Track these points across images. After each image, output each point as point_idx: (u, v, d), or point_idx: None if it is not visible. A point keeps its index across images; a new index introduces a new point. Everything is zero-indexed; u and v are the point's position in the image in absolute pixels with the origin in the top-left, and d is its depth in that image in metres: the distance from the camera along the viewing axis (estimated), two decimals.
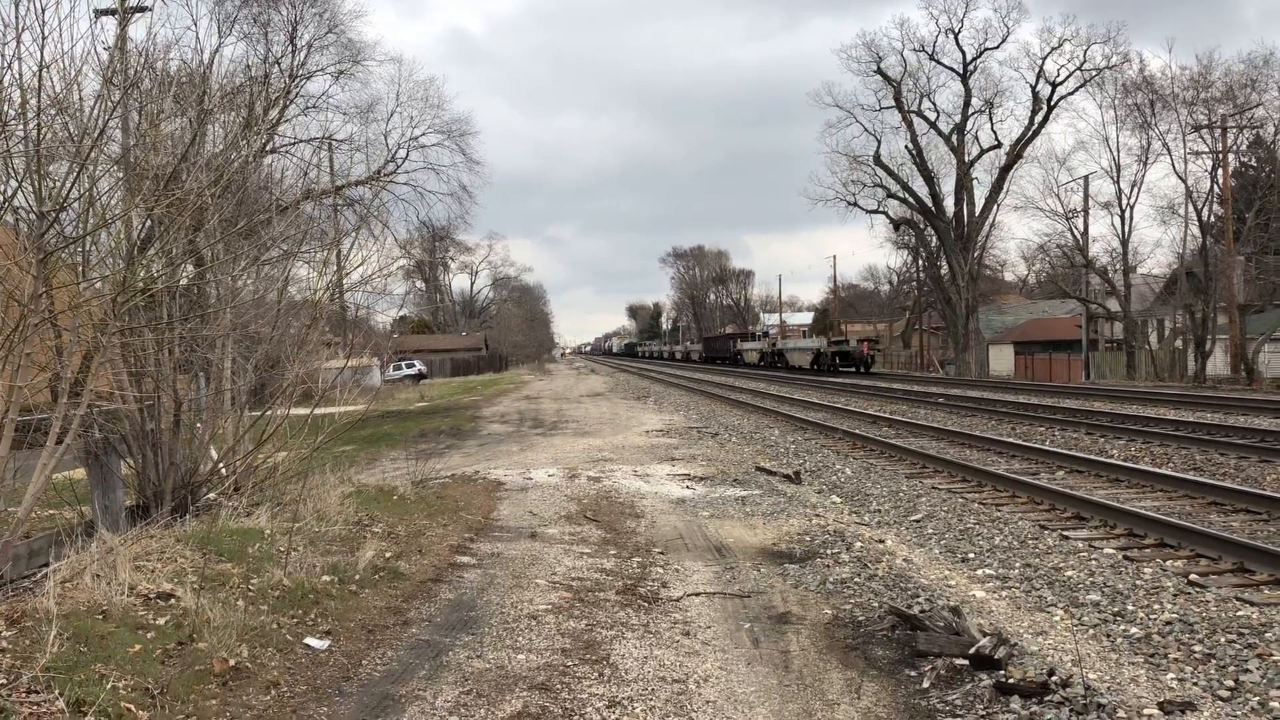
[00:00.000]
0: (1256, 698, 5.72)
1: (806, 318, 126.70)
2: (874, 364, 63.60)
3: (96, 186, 7.93)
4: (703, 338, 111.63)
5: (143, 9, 22.13)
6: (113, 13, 25.70)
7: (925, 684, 5.78)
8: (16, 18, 6.24)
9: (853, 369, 61.51)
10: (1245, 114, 45.64)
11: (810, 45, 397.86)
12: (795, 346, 70.70)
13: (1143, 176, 50.10)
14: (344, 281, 13.24)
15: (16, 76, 6.46)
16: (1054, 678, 5.57)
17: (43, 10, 6.34)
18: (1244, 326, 42.55)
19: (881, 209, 62.38)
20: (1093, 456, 16.11)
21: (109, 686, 4.86)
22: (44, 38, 6.40)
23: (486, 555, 9.28)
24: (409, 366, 71.19)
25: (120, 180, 9.14)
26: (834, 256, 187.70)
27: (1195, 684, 5.99)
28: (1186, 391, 34.41)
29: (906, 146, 59.14)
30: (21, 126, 6.79)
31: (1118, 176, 49.78)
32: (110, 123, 8.00)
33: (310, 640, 6.25)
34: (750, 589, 8.08)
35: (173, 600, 6.36)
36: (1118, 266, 51.73)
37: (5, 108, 6.64)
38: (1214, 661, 6.42)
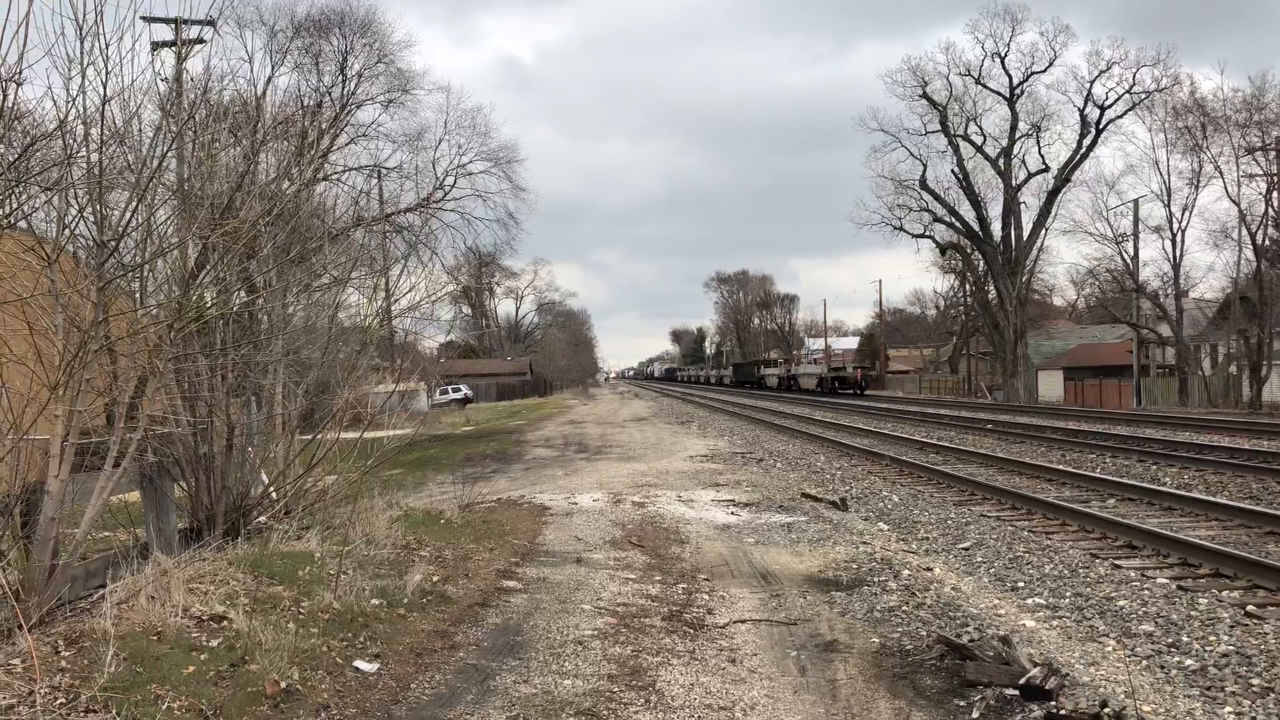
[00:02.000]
0: None
1: (852, 342, 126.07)
2: (867, 387, 73.51)
3: (154, 215, 8.12)
4: (732, 364, 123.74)
5: (199, 41, 22.65)
6: (170, 44, 26.32)
7: (974, 714, 5.72)
8: (81, 53, 6.43)
9: (850, 391, 70.59)
10: None
11: (859, 70, 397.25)
12: (804, 372, 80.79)
13: (1194, 200, 49.47)
14: (393, 307, 13.43)
15: (81, 110, 6.64)
16: (1107, 709, 5.49)
17: (106, 46, 6.52)
18: None
19: (928, 233, 62.08)
20: (1145, 484, 15.86)
21: (164, 707, 4.94)
22: (107, 72, 6.58)
23: (532, 580, 9.31)
24: (455, 391, 71.78)
25: (177, 209, 9.35)
26: (879, 281, 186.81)
27: (1253, 718, 5.88)
28: (1241, 418, 33.76)
29: (953, 170, 58.84)
30: (84, 157, 6.98)
31: (1168, 200, 49.23)
32: (168, 153, 8.19)
33: (359, 663, 6.32)
34: (797, 616, 8.04)
35: (225, 622, 6.45)
36: (1169, 291, 51.01)
37: (70, 140, 6.83)
38: (1273, 695, 6.29)
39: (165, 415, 9.64)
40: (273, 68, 38.90)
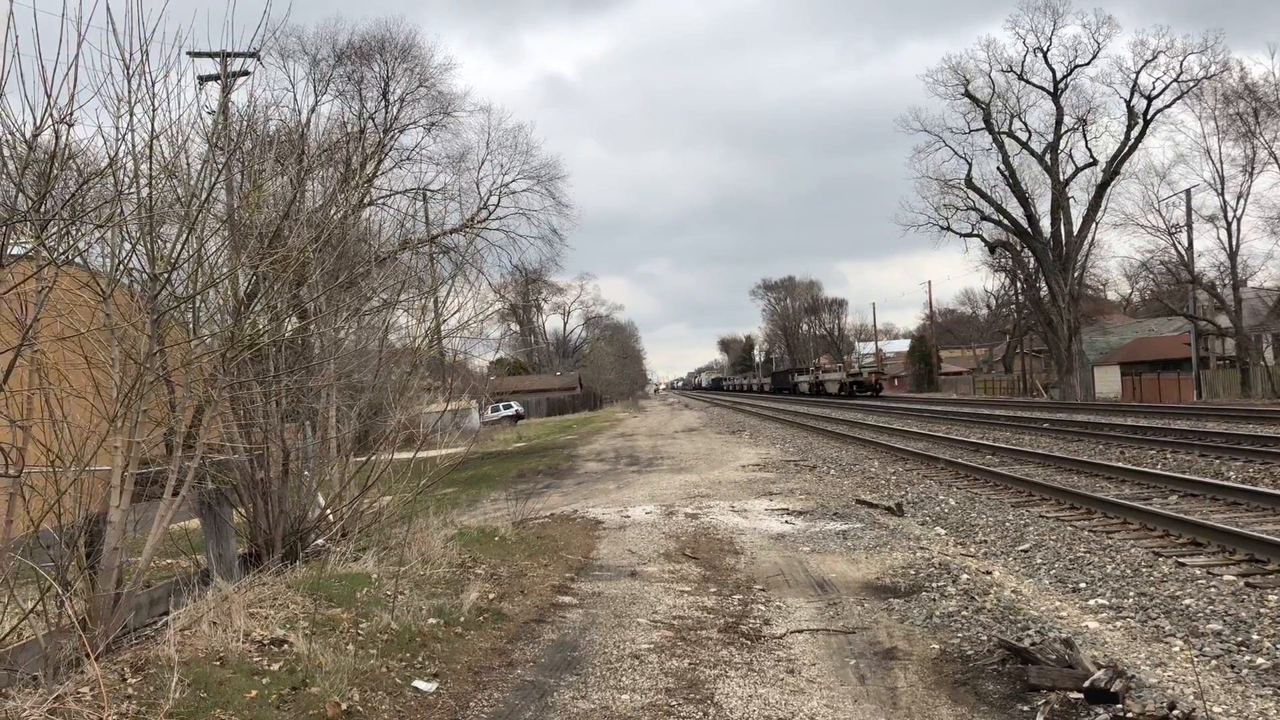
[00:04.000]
0: None
1: (903, 345, 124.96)
2: (881, 389, 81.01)
3: (204, 247, 8.27)
4: (770, 374, 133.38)
5: (244, 73, 23.06)
6: (216, 78, 26.82)
7: (1039, 719, 5.63)
8: (129, 92, 6.57)
9: (866, 393, 77.56)
10: None
11: (903, 69, 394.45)
12: (828, 378, 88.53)
13: (1249, 187, 48.50)
14: (441, 328, 13.54)
15: (130, 146, 6.78)
16: (1175, 711, 5.38)
17: (153, 83, 6.66)
18: None
19: (976, 232, 61.33)
20: (1208, 479, 15.53)
21: None
22: (154, 109, 6.72)
23: (587, 594, 9.32)
24: (506, 408, 72.20)
25: (226, 239, 9.51)
26: (929, 282, 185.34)
27: None
28: None
29: (998, 168, 58.14)
30: (135, 193, 7.13)
31: (1222, 188, 48.33)
32: (215, 184, 8.34)
33: (418, 683, 6.36)
34: (854, 624, 7.97)
35: (285, 646, 6.53)
36: (1226, 281, 50.03)
37: (120, 176, 6.97)
38: None
39: (222, 443, 9.81)
40: (316, 96, 39.52)
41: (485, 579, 9.56)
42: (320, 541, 10.77)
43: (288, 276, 9.38)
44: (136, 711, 5.18)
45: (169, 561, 10.36)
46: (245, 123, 11.05)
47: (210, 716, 5.19)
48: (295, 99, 36.05)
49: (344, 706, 5.65)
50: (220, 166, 8.54)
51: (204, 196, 7.65)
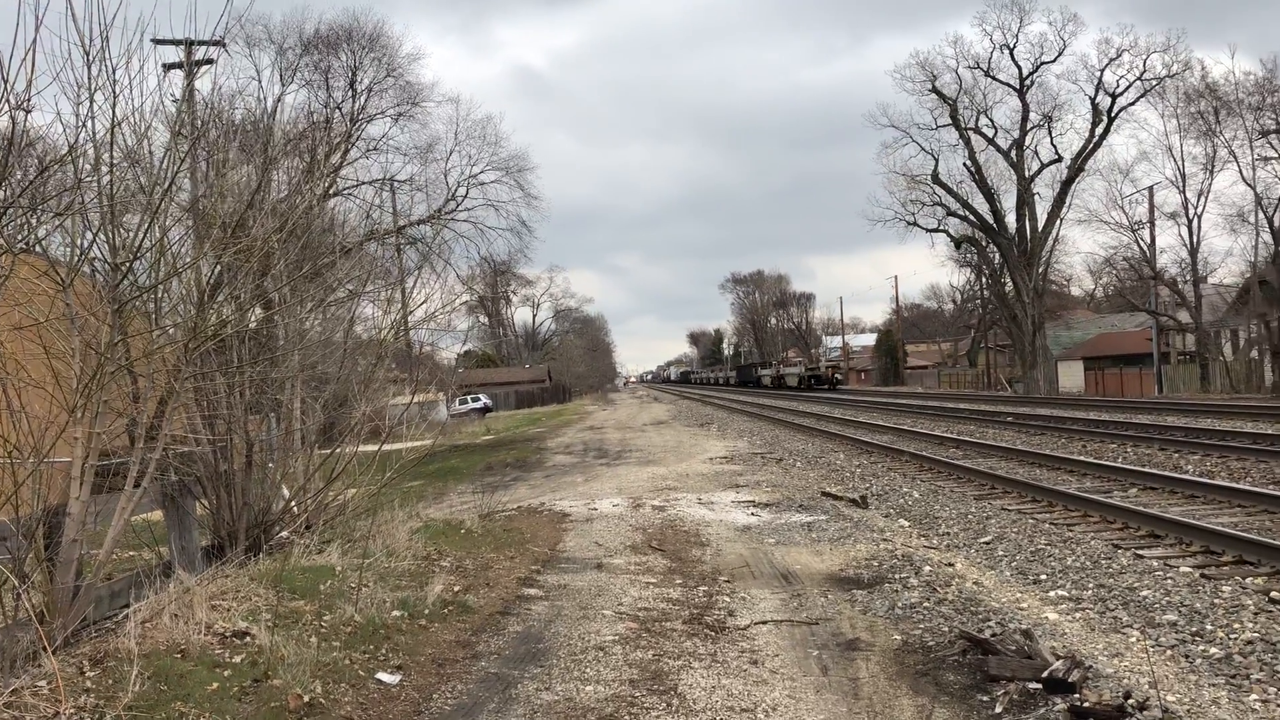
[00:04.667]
0: None
1: (869, 339, 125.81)
2: (837, 383, 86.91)
3: (167, 236, 8.19)
4: (736, 367, 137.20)
5: (209, 61, 22.81)
6: (180, 66, 26.52)
7: (998, 709, 5.70)
8: (89, 78, 6.49)
9: (824, 386, 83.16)
10: None
11: (875, 64, 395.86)
12: (788, 372, 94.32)
13: (1209, 185, 49.20)
14: (408, 319, 13.47)
15: (91, 134, 6.70)
16: (1130, 701, 5.47)
17: (114, 70, 6.58)
18: None
19: (942, 227, 61.82)
20: (1167, 473, 15.77)
21: None
22: (115, 96, 6.64)
23: (553, 587, 9.33)
24: (474, 400, 71.94)
25: (190, 229, 9.42)
26: (895, 277, 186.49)
27: (1279, 705, 5.84)
28: (1264, 403, 33.50)
29: (965, 164, 58.64)
30: (96, 181, 7.05)
31: (1183, 186, 48.99)
32: (179, 173, 8.26)
33: (382, 675, 6.35)
34: (818, 616, 8.03)
35: (248, 638, 6.50)
36: (1187, 277, 50.71)
37: (81, 164, 6.89)
38: None
39: (185, 434, 9.72)
40: (282, 85, 39.20)
41: (450, 571, 9.55)
42: (284, 534, 10.70)
43: (252, 267, 9.30)
44: (95, 705, 5.14)
45: (131, 554, 10.26)
46: (210, 111, 10.96)
47: (170, 709, 5.16)
48: (261, 87, 35.70)
49: (306, 699, 5.63)
50: (184, 155, 8.45)
51: (167, 185, 7.58)
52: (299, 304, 10.98)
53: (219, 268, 9.52)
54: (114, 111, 6.70)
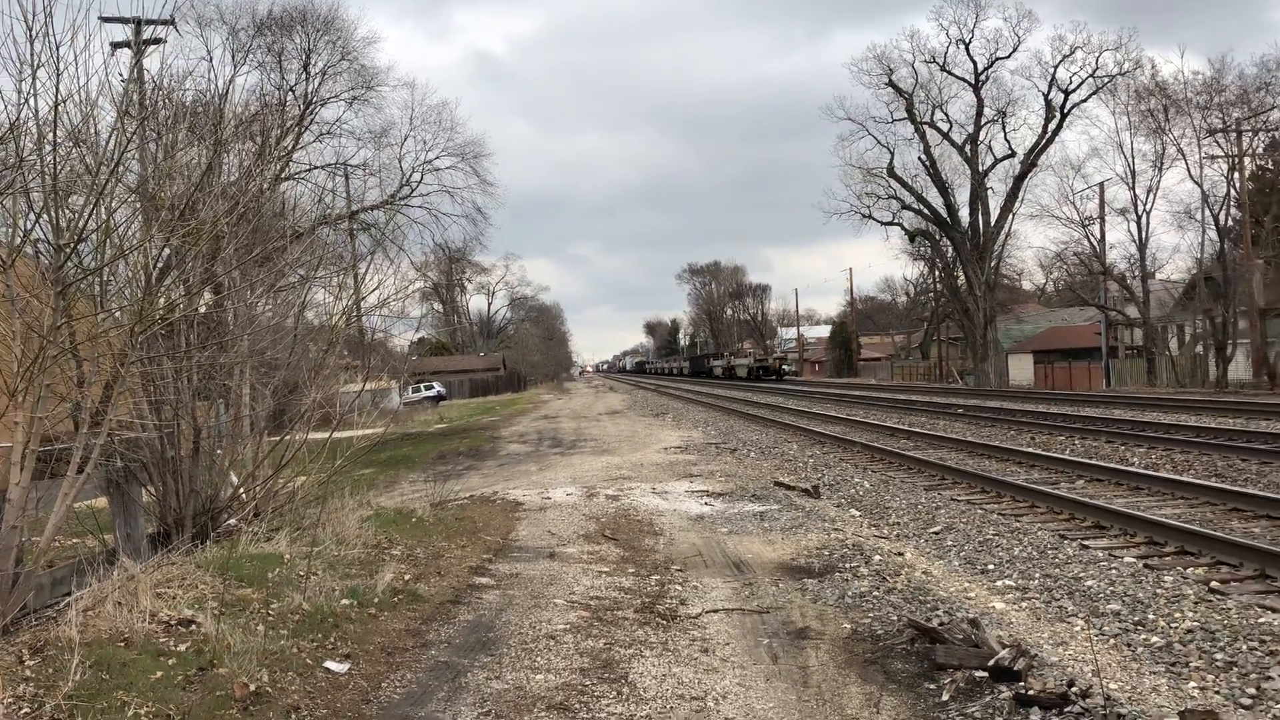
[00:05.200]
0: (1279, 705, 5.68)
1: (824, 330, 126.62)
2: (784, 374, 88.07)
3: (113, 218, 8.03)
4: (689, 358, 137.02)
5: (158, 41, 22.40)
6: (128, 45, 26.01)
7: (944, 697, 5.76)
8: (32, 55, 6.35)
9: (771, 377, 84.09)
10: (1260, 117, 45.44)
11: (833, 57, 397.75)
12: (738, 363, 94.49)
13: (1158, 182, 49.87)
14: (361, 305, 13.34)
15: (33, 111, 6.56)
16: (1074, 688, 5.55)
17: (58, 46, 6.44)
18: (1265, 330, 42.23)
19: (896, 221, 62.19)
20: (1113, 465, 16.03)
21: (130, 714, 4.91)
22: (59, 73, 6.50)
23: (505, 576, 9.30)
24: (428, 388, 71.45)
25: (137, 211, 9.25)
26: (850, 269, 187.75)
27: (1217, 692, 5.96)
28: (1208, 397, 34.16)
29: (920, 158, 59.01)
30: (39, 160, 6.89)
31: (1133, 182, 49.63)
32: (125, 153, 8.09)
33: (330, 664, 6.29)
34: (769, 605, 8.07)
35: (193, 626, 6.41)
36: (1136, 273, 51.46)
37: (23, 142, 6.74)
38: (1236, 669, 6.37)
39: (131, 419, 9.56)
40: (234, 66, 38.56)
41: (401, 560, 9.49)
42: (232, 521, 10.58)
43: (201, 250, 9.16)
44: (34, 694, 5.04)
45: (74, 541, 10.08)
46: (158, 90, 10.76)
47: (112, 699, 5.08)
48: (212, 68, 35.15)
49: (252, 687, 5.56)
50: (131, 134, 8.29)
51: (113, 165, 7.43)
52: (249, 289, 10.84)
53: (167, 251, 9.36)
54: (58, 89, 6.56)
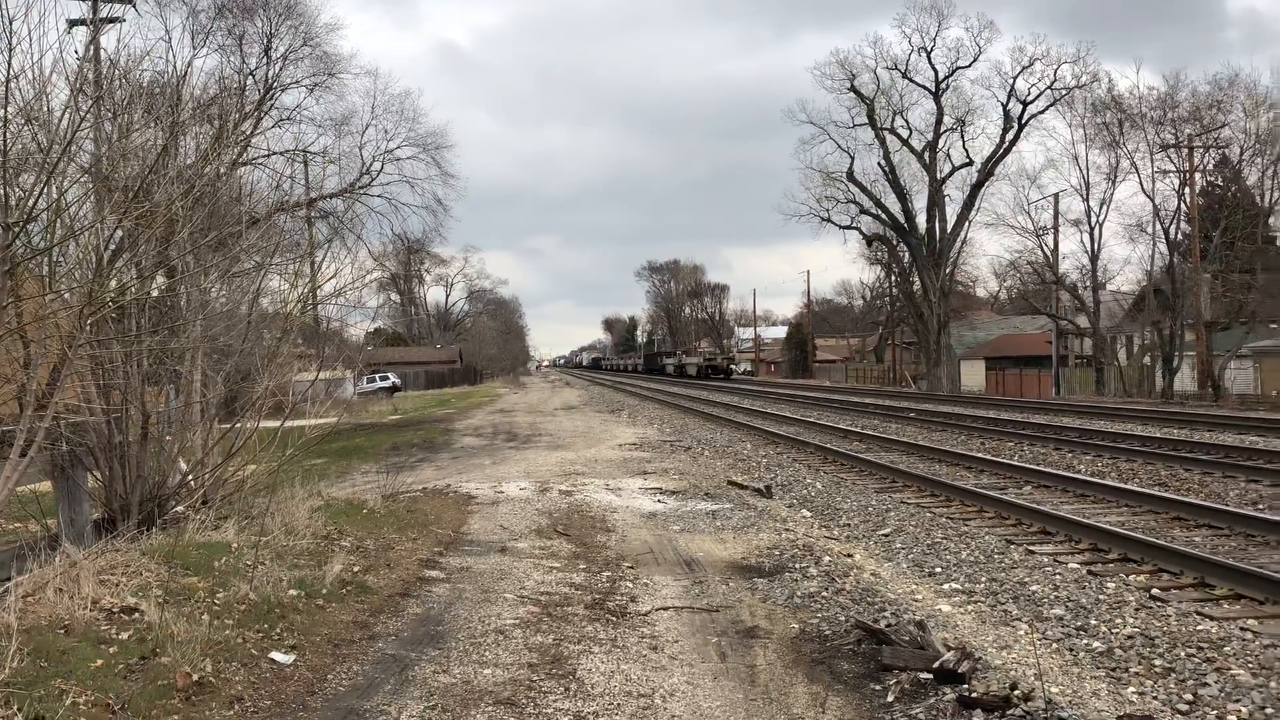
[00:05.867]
0: (1214, 711, 5.81)
1: (780, 332, 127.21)
2: (730, 372, 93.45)
3: (65, 197, 7.89)
4: (643, 355, 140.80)
5: (115, 20, 22.03)
6: (85, 23, 25.59)
7: (890, 698, 5.82)
8: None
9: (719, 375, 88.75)
10: (1211, 134, 46.31)
11: (798, 60, 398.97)
12: (688, 361, 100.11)
13: (1111, 194, 50.60)
14: (317, 293, 13.21)
15: None
16: (1016, 692, 5.63)
17: (10, 21, 6.32)
18: (1211, 343, 43.05)
19: (854, 225, 62.73)
20: (1060, 472, 16.27)
21: (69, 702, 4.83)
22: (11, 48, 6.38)
23: (455, 569, 9.26)
24: (383, 379, 70.87)
25: (90, 191, 9.10)
26: (808, 271, 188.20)
27: (1155, 697, 6.08)
28: (1154, 407, 34.77)
29: (879, 163, 59.56)
30: None
31: (1087, 194, 50.36)
32: (80, 133, 7.96)
33: (275, 655, 6.23)
34: (719, 603, 8.11)
35: (136, 615, 6.32)
36: (1087, 283, 52.26)
37: None
38: (1174, 675, 6.50)
39: (78, 403, 9.41)
40: (194, 48, 37.99)
41: (351, 551, 9.41)
42: (180, 509, 10.43)
43: (155, 233, 9.02)
44: None
45: (16, 525, 9.92)
46: (113, 70, 10.59)
47: (50, 686, 4.99)
48: (170, 49, 34.53)
49: (195, 677, 5.49)
50: (85, 113, 8.16)
51: (66, 143, 7.30)
52: (203, 273, 10.69)
53: (120, 233, 9.22)
54: (9, 64, 6.44)
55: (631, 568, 9.50)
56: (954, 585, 9.28)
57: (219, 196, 11.46)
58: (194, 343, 10.59)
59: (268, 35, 40.42)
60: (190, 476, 10.85)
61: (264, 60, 40.37)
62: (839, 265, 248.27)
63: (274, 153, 34.56)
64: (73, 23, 26.14)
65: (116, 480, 9.86)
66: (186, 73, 13.89)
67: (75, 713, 4.77)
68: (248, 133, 30.64)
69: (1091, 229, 50.52)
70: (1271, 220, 50.01)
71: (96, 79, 11.80)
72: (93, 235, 8.64)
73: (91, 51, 12.97)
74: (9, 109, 6.68)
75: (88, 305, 7.93)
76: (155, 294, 10.58)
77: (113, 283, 8.96)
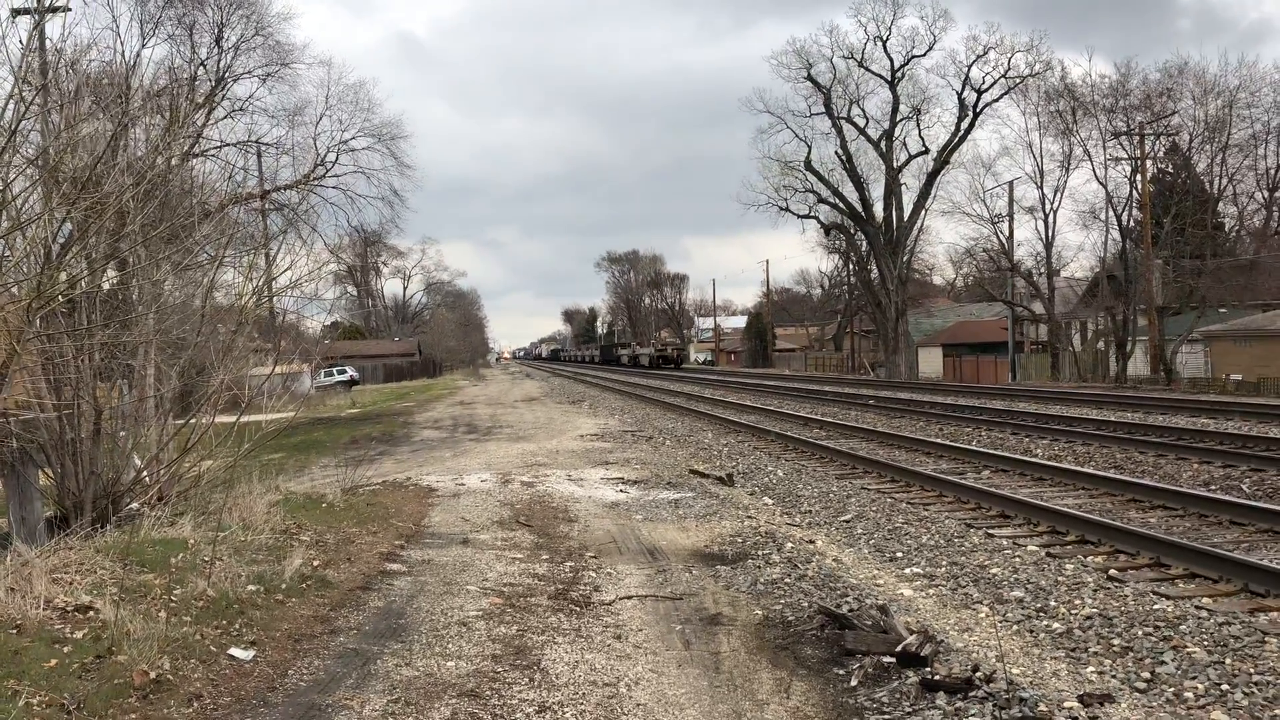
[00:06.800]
0: (1171, 689, 5.89)
1: (740, 321, 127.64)
2: (681, 362, 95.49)
3: (10, 188, 7.73)
4: (600, 346, 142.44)
5: (56, 9, 21.57)
6: (28, 12, 25.05)
7: (853, 682, 5.85)
8: None
9: (669, 366, 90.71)
10: (1162, 121, 46.93)
11: (758, 48, 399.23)
12: (641, 352, 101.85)
13: (1065, 182, 51.23)
14: (272, 286, 13.04)
15: None
16: (978, 673, 5.67)
17: None
18: (1163, 328, 43.72)
19: (813, 214, 62.89)
20: (1017, 456, 16.44)
21: (22, 703, 4.73)
22: None
23: (417, 562, 9.19)
24: (340, 373, 70.24)
25: (37, 182, 8.91)
26: (767, 261, 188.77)
27: (1114, 676, 6.15)
28: (1108, 392, 35.25)
29: (836, 153, 59.72)
30: None
31: (1041, 182, 50.88)
32: (25, 123, 7.79)
33: (235, 651, 6.15)
34: (682, 591, 8.11)
35: (91, 613, 6.21)
36: (1042, 270, 52.85)
37: None
38: (1132, 654, 6.58)
39: (28, 399, 9.23)
40: (142, 38, 37.38)
41: (310, 546, 9.31)
42: (135, 505, 10.28)
43: (105, 225, 8.86)
44: None
45: None
46: (59, 59, 10.37)
47: (3, 687, 4.89)
48: (119, 38, 33.95)
49: (153, 675, 5.40)
50: (30, 103, 7.98)
51: (10, 133, 7.15)
52: (155, 266, 10.52)
53: (69, 224, 9.04)
54: None
55: (594, 557, 9.47)
56: (915, 569, 9.34)
57: (171, 188, 11.27)
58: (147, 337, 10.43)
59: (219, 24, 39.88)
60: (145, 473, 10.68)
61: (215, 50, 39.84)
62: (798, 254, 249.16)
63: (227, 144, 34.13)
64: (16, 11, 25.62)
65: (69, 477, 9.69)
66: (136, 62, 13.65)
67: (29, 713, 4.67)
68: (200, 124, 30.20)
69: (1046, 216, 51.12)
70: (1220, 206, 50.90)
71: (42, 68, 11.55)
72: (40, 227, 8.47)
73: (36, 41, 12.69)
74: None
75: (36, 299, 7.77)
76: (107, 287, 10.40)
77: (62, 276, 8.79)
